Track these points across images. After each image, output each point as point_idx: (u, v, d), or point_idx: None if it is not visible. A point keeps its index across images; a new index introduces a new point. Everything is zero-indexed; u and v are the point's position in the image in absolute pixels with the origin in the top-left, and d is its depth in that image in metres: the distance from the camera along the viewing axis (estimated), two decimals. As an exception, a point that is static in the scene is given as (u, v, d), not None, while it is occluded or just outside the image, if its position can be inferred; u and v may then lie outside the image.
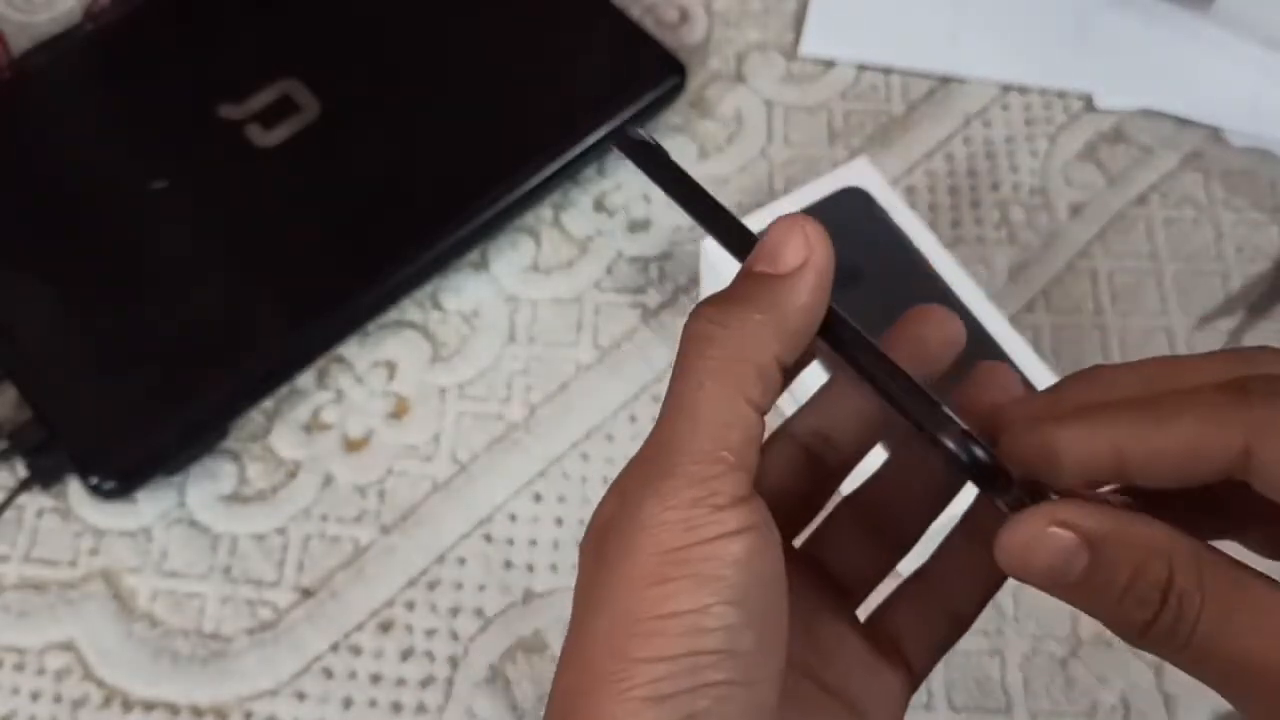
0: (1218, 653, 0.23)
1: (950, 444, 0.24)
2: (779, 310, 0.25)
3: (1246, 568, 0.24)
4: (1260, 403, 0.22)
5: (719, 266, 0.55)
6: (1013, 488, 0.24)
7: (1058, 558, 0.23)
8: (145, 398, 0.54)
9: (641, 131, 0.28)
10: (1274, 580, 0.23)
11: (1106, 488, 0.25)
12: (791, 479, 0.30)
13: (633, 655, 0.23)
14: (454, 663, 0.51)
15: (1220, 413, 0.23)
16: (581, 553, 0.25)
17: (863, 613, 0.30)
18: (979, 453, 0.24)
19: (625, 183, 0.62)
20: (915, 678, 0.30)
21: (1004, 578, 0.28)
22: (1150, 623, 0.23)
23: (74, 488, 0.55)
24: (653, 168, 0.28)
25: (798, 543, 0.31)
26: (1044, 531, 0.23)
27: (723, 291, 0.25)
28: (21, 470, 0.55)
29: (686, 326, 0.25)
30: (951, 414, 0.24)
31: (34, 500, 0.55)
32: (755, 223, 0.56)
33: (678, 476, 0.24)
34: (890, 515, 0.30)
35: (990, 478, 0.24)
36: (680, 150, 0.64)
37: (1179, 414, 0.23)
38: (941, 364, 0.29)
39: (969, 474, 0.24)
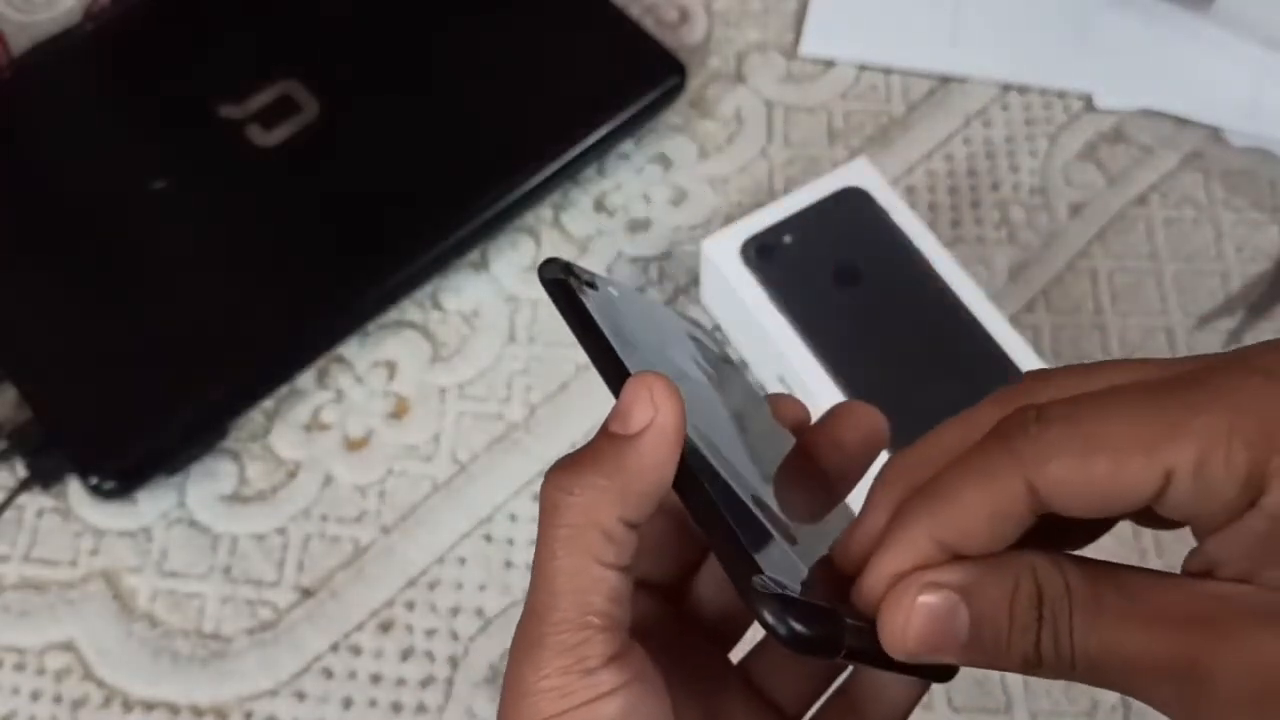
0: (1101, 654, 0.23)
1: (767, 618, 0.23)
2: (623, 474, 0.25)
3: (1107, 563, 0.24)
4: (1019, 441, 0.23)
5: (719, 267, 0.55)
6: (840, 651, 0.24)
7: (941, 623, 0.23)
8: (145, 398, 0.54)
9: (558, 263, 0.29)
10: (1133, 566, 0.24)
11: None
12: (727, 594, 0.30)
13: None
14: (454, 663, 0.51)
15: (991, 466, 0.24)
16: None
17: None
18: (797, 626, 0.23)
19: (625, 183, 0.62)
20: None
21: (924, 690, 0.29)
22: (1036, 645, 0.23)
23: (74, 488, 0.55)
24: (563, 305, 0.29)
25: (736, 658, 0.31)
26: (916, 603, 0.23)
27: (577, 453, 0.26)
28: (21, 470, 0.55)
29: (542, 491, 0.26)
30: (772, 584, 0.23)
31: (34, 500, 0.55)
32: (754, 224, 0.56)
33: (547, 646, 0.25)
34: None
35: (812, 646, 0.23)
36: (680, 150, 0.64)
37: (960, 487, 0.24)
38: (861, 464, 0.29)
39: (788, 647, 0.23)
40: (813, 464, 0.30)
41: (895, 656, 0.24)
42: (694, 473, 0.26)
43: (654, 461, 0.25)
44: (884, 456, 0.29)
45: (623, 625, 0.25)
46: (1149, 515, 0.24)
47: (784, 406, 0.31)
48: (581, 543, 0.25)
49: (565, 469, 0.26)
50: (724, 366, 0.33)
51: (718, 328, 0.56)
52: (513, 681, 0.25)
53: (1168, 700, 0.23)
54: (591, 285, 0.29)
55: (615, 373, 0.27)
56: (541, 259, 0.60)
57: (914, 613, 0.24)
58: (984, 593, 0.24)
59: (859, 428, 0.29)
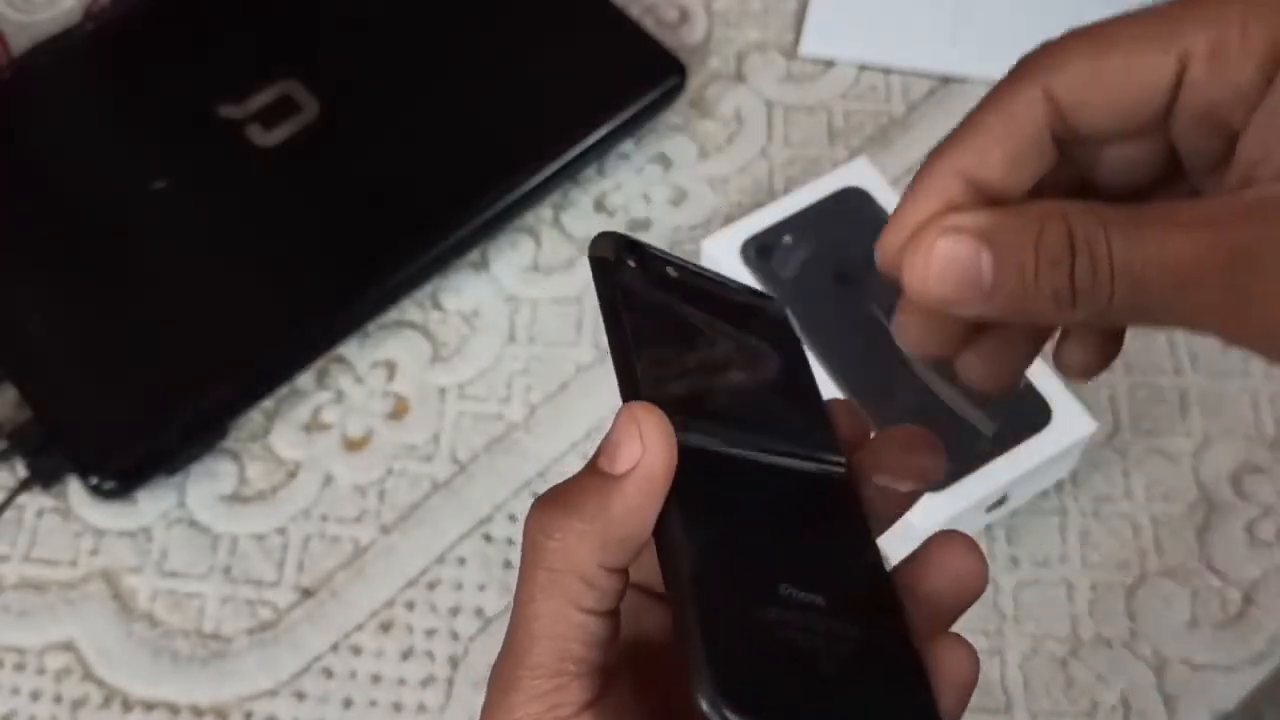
0: (1144, 266, 0.22)
1: (702, 705, 0.22)
2: (604, 517, 0.24)
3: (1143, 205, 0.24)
4: (1035, 57, 0.25)
5: (720, 267, 0.55)
6: None
7: (963, 263, 0.23)
8: (145, 398, 0.54)
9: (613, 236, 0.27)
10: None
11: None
12: None
13: None
14: (454, 663, 0.51)
15: (1009, 84, 0.24)
16: None
17: None
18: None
19: (625, 183, 0.62)
20: None
21: None
22: (1070, 276, 0.23)
23: (74, 488, 0.55)
24: (598, 286, 0.27)
25: None
26: (936, 245, 0.23)
27: (563, 487, 0.25)
28: (21, 470, 0.55)
29: (525, 526, 0.25)
30: (712, 706, 0.22)
31: (34, 500, 0.55)
32: (754, 224, 0.56)
33: (521, 690, 0.24)
34: None
35: None
36: (680, 150, 0.64)
37: (980, 113, 0.25)
38: (960, 602, 0.26)
39: None
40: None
41: (917, 301, 0.24)
42: (676, 527, 0.24)
43: (637, 505, 0.24)
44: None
45: (602, 669, 0.24)
46: (1171, 164, 0.24)
47: (842, 415, 0.28)
48: (560, 588, 0.24)
49: (548, 507, 0.24)
50: (783, 360, 0.29)
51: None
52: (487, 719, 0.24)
53: (1213, 305, 0.22)
54: (645, 265, 0.27)
55: (627, 380, 0.26)
56: (541, 259, 0.61)
57: (934, 254, 0.23)
58: (1008, 233, 0.23)
59: (951, 572, 0.26)
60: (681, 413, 0.25)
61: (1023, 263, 0.23)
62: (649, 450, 0.24)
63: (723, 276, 0.29)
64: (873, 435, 0.28)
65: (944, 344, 0.27)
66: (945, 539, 0.26)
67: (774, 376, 0.29)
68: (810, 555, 0.25)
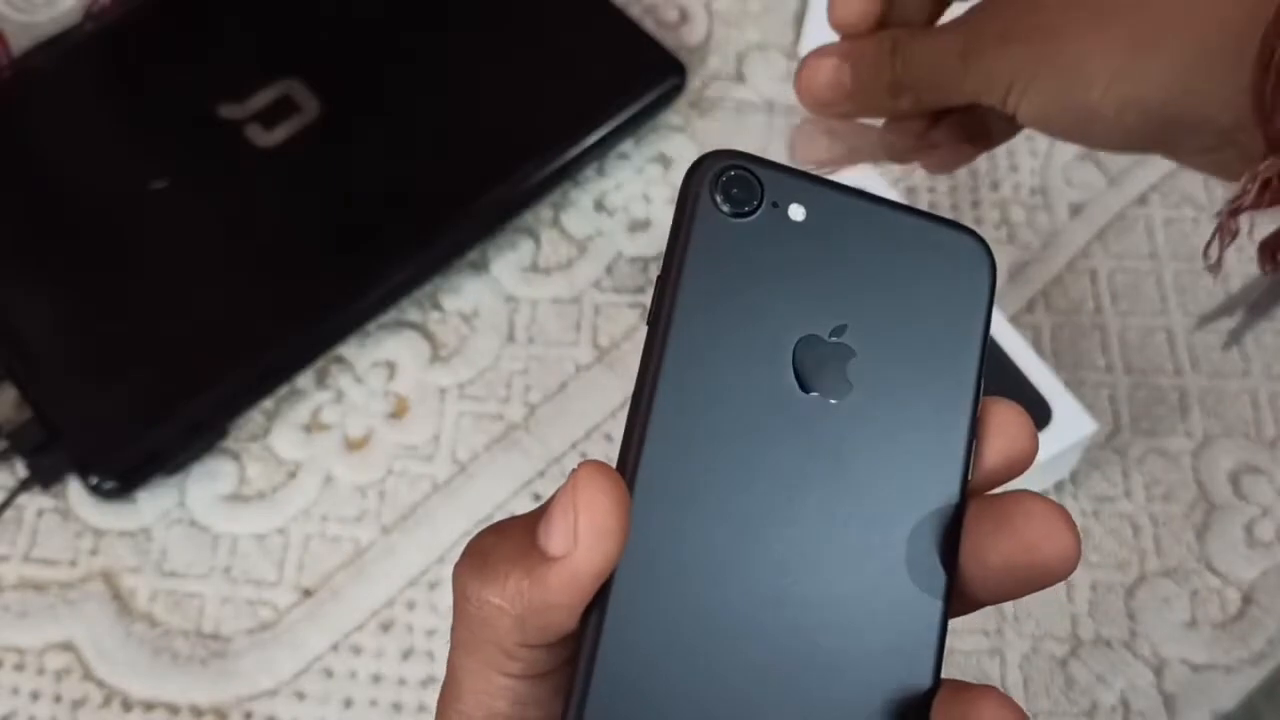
0: (934, 53, 0.33)
1: None
2: (523, 602, 0.21)
3: None
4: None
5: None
6: None
7: (831, 74, 0.34)
8: (145, 398, 0.54)
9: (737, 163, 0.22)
10: None
11: None
12: None
13: None
14: (454, 663, 0.51)
15: None
16: None
17: None
18: None
19: (625, 183, 0.62)
20: None
21: None
22: (893, 71, 0.34)
23: (74, 488, 0.55)
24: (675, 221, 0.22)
25: None
26: (815, 61, 0.34)
27: (490, 543, 0.22)
28: (21, 470, 0.55)
29: (453, 572, 0.23)
30: None
31: (34, 500, 0.55)
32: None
33: None
34: None
35: None
36: (680, 150, 0.64)
37: None
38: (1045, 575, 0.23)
39: None
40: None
41: (805, 104, 0.34)
42: (587, 644, 0.20)
43: (557, 602, 0.21)
44: None
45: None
46: None
47: (1000, 430, 0.23)
48: (481, 652, 0.22)
49: (469, 565, 0.22)
50: (915, 357, 0.23)
51: None
52: None
53: (977, 70, 0.32)
54: (756, 202, 0.22)
55: (641, 390, 0.21)
56: (541, 259, 0.61)
57: (813, 70, 0.34)
58: (860, 51, 0.34)
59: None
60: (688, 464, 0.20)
61: (865, 67, 0.34)
62: (580, 547, 0.20)
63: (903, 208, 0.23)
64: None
65: (830, 151, 0.36)
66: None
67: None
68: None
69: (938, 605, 0.21)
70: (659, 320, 0.21)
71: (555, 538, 0.21)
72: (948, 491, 0.22)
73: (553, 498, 0.21)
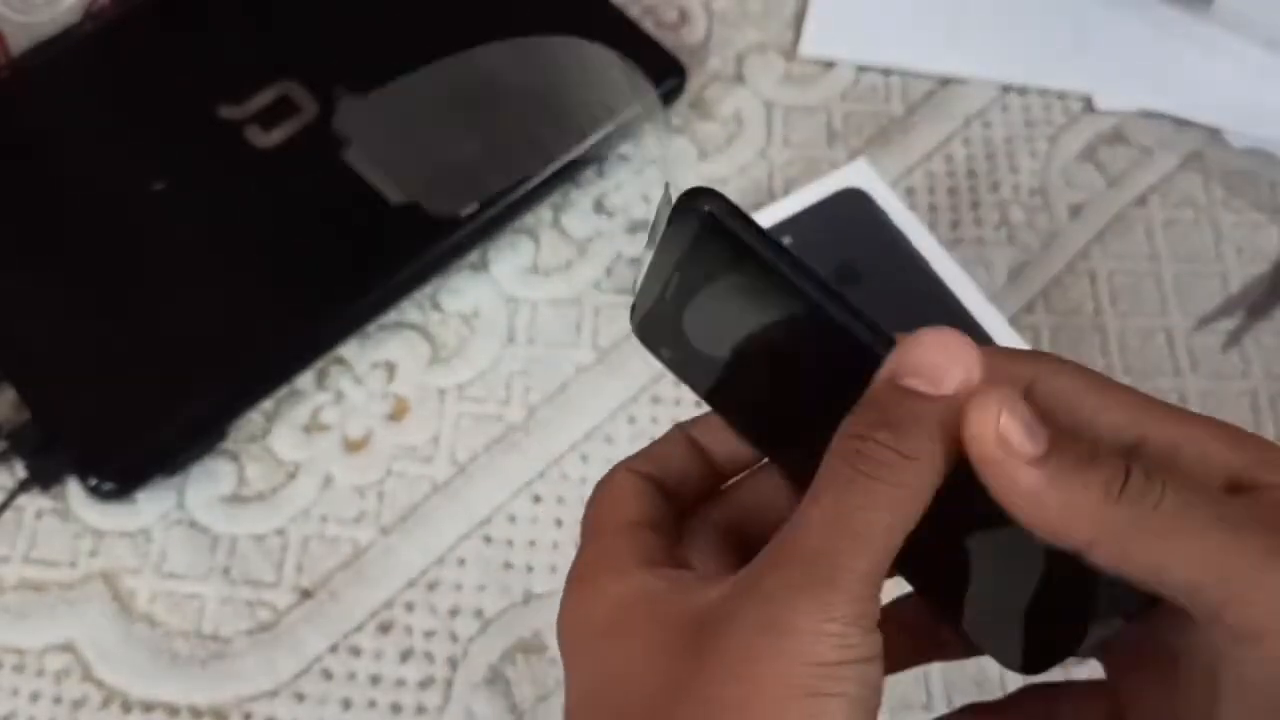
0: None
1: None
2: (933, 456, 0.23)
3: None
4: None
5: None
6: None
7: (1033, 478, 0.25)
8: (145, 398, 0.54)
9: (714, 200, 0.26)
10: None
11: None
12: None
13: None
14: (453, 664, 0.51)
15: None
16: (642, 640, 0.24)
17: None
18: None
19: (625, 184, 0.62)
20: None
21: None
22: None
23: (73, 489, 0.55)
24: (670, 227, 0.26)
25: None
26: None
27: (889, 414, 0.24)
28: (21, 471, 0.54)
29: (840, 443, 0.24)
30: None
31: (33, 501, 0.55)
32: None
33: (842, 590, 0.23)
34: None
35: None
36: (680, 151, 0.64)
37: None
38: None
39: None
40: None
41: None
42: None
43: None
44: None
45: None
46: None
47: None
48: (903, 511, 0.23)
49: (887, 426, 0.24)
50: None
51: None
52: (768, 617, 0.23)
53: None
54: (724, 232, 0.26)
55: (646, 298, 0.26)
56: (541, 260, 0.61)
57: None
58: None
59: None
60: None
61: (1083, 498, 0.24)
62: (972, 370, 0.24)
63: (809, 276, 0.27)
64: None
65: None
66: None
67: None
68: None
69: None
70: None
71: (949, 376, 0.24)
72: None
73: (907, 356, 0.24)
